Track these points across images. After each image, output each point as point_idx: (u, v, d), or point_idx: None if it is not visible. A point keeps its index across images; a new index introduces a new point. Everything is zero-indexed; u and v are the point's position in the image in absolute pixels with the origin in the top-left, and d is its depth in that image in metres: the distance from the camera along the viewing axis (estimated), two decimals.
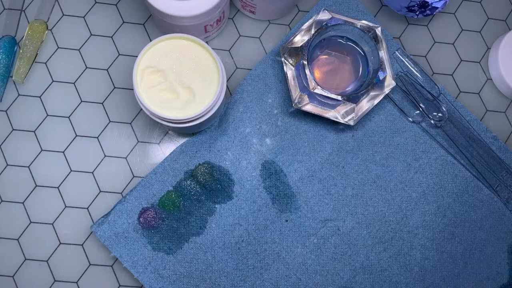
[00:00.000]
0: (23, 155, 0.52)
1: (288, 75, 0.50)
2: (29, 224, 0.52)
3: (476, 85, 0.57)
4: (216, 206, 0.51)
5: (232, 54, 0.56)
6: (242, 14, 0.56)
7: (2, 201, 0.52)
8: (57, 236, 0.51)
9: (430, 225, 0.53)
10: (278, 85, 0.54)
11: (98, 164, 0.53)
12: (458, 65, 0.57)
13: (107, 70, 0.54)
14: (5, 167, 0.52)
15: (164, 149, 0.53)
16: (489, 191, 0.54)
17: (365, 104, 0.50)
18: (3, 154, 0.52)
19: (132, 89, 0.54)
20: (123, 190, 0.52)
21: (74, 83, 0.54)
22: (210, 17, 0.48)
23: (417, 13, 0.54)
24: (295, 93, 0.50)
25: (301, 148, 0.53)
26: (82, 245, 0.52)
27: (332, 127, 0.54)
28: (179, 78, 0.46)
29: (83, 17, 0.55)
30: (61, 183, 0.52)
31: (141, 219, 0.50)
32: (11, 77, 0.53)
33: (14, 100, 0.53)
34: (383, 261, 0.52)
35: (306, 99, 0.50)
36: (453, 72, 0.57)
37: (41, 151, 0.53)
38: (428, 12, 0.54)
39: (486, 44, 0.58)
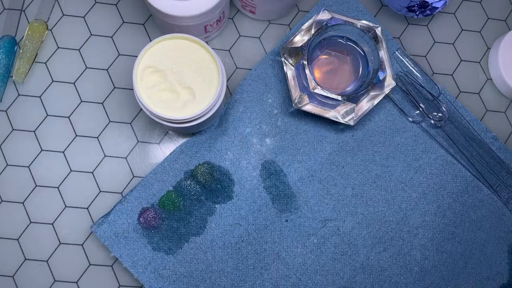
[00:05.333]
0: (23, 155, 0.52)
1: (288, 75, 0.50)
2: (29, 224, 0.52)
3: (476, 85, 0.57)
4: (216, 206, 0.51)
5: (232, 54, 0.56)
6: (242, 14, 0.56)
7: (2, 201, 0.52)
8: (57, 236, 0.51)
9: (430, 225, 0.53)
10: (278, 85, 0.54)
11: (98, 164, 0.53)
12: (458, 65, 0.57)
13: (107, 70, 0.54)
14: (5, 167, 0.52)
15: (164, 149, 0.53)
16: (489, 191, 0.54)
17: (365, 104, 0.50)
18: (3, 154, 0.52)
19: (132, 89, 0.54)
20: (123, 190, 0.52)
21: (74, 83, 0.54)
22: (210, 17, 0.48)
23: (417, 13, 0.54)
24: (295, 93, 0.50)
25: (301, 148, 0.53)
26: (82, 245, 0.52)
27: (332, 127, 0.54)
28: (179, 78, 0.45)
29: (83, 17, 0.55)
30: (61, 183, 0.52)
31: (141, 219, 0.50)
32: (11, 77, 0.53)
33: (14, 100, 0.53)
34: (383, 261, 0.52)
35: (306, 99, 0.50)
36: (453, 72, 0.57)
37: (41, 151, 0.53)
38: (428, 12, 0.54)
39: (486, 44, 0.58)
